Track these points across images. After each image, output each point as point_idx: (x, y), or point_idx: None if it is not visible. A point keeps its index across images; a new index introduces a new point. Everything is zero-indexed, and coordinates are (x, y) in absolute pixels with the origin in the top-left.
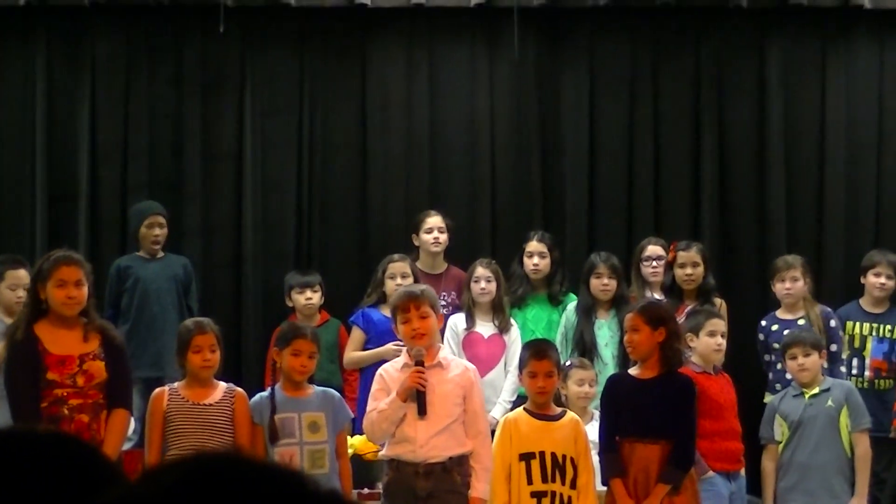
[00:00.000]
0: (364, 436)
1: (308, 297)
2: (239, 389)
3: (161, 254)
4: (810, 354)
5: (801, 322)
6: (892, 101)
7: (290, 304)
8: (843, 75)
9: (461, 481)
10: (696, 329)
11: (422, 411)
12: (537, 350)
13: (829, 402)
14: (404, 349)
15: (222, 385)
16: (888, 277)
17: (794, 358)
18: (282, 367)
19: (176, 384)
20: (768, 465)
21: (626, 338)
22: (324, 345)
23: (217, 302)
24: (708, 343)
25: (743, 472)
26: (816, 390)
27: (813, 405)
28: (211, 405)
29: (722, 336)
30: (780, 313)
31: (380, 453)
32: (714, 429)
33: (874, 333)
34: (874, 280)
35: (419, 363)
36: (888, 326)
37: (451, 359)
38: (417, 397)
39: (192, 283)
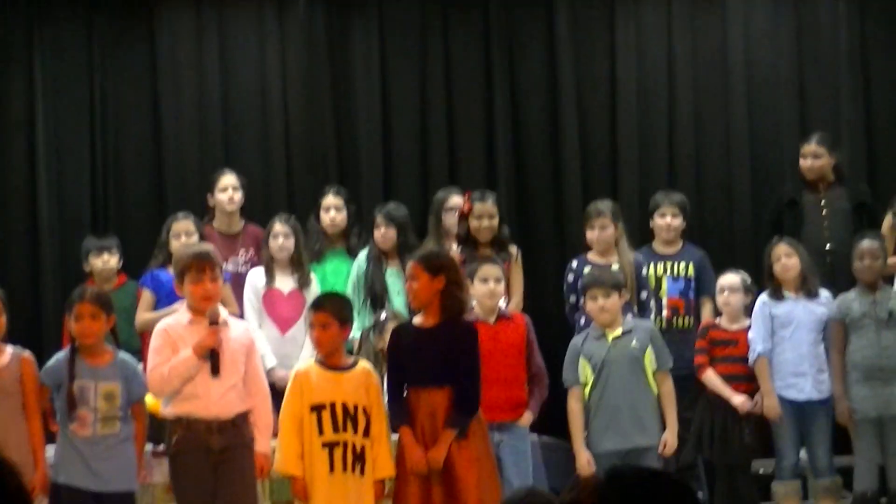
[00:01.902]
0: None
1: (105, 260)
2: (26, 352)
3: None
4: (610, 295)
5: (614, 267)
6: (681, 50)
7: (87, 269)
8: (633, 28)
9: (248, 436)
10: (470, 276)
11: (215, 370)
12: (314, 302)
13: (633, 343)
14: (184, 304)
15: (8, 349)
16: (673, 216)
17: (594, 299)
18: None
19: None
20: (574, 406)
21: (406, 286)
22: (122, 308)
23: (14, 271)
24: (480, 290)
25: (524, 420)
26: (619, 332)
27: (616, 347)
28: None
29: (496, 282)
30: (592, 256)
31: (164, 411)
32: None
33: (668, 273)
34: (661, 221)
35: (213, 322)
36: (681, 264)
37: (231, 318)
38: (212, 357)
39: None
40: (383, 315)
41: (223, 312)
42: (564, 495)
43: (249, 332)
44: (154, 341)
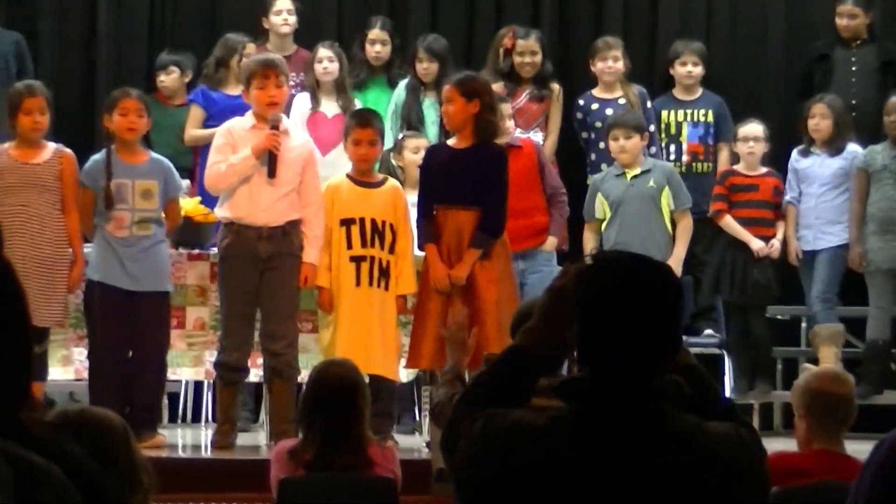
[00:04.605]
0: (195, 199)
1: (161, 80)
2: (67, 150)
3: None
4: (631, 137)
5: (620, 101)
6: None
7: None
8: None
9: (297, 245)
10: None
11: (272, 173)
12: (361, 118)
13: (651, 183)
14: (250, 111)
15: (51, 146)
16: (694, 65)
17: (616, 139)
18: (112, 130)
19: (6, 144)
20: (588, 239)
21: (441, 108)
22: (177, 125)
23: (70, 79)
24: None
25: (548, 245)
26: (637, 171)
27: (634, 186)
28: (39, 164)
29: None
30: (598, 92)
31: (218, 215)
32: None
33: (688, 119)
34: (681, 69)
35: (275, 127)
36: (701, 111)
37: (293, 128)
38: (269, 159)
39: (26, 59)
40: (401, 135)
41: (286, 122)
42: (555, 282)
43: (310, 145)
44: (216, 140)
